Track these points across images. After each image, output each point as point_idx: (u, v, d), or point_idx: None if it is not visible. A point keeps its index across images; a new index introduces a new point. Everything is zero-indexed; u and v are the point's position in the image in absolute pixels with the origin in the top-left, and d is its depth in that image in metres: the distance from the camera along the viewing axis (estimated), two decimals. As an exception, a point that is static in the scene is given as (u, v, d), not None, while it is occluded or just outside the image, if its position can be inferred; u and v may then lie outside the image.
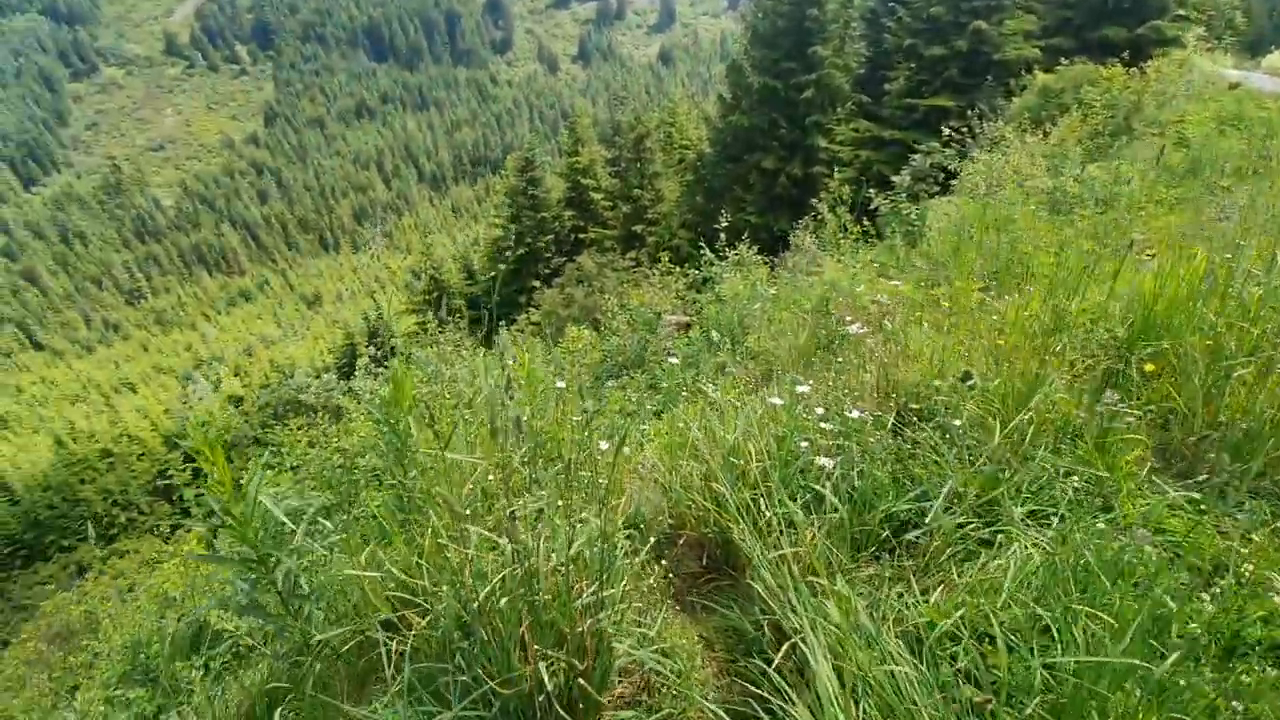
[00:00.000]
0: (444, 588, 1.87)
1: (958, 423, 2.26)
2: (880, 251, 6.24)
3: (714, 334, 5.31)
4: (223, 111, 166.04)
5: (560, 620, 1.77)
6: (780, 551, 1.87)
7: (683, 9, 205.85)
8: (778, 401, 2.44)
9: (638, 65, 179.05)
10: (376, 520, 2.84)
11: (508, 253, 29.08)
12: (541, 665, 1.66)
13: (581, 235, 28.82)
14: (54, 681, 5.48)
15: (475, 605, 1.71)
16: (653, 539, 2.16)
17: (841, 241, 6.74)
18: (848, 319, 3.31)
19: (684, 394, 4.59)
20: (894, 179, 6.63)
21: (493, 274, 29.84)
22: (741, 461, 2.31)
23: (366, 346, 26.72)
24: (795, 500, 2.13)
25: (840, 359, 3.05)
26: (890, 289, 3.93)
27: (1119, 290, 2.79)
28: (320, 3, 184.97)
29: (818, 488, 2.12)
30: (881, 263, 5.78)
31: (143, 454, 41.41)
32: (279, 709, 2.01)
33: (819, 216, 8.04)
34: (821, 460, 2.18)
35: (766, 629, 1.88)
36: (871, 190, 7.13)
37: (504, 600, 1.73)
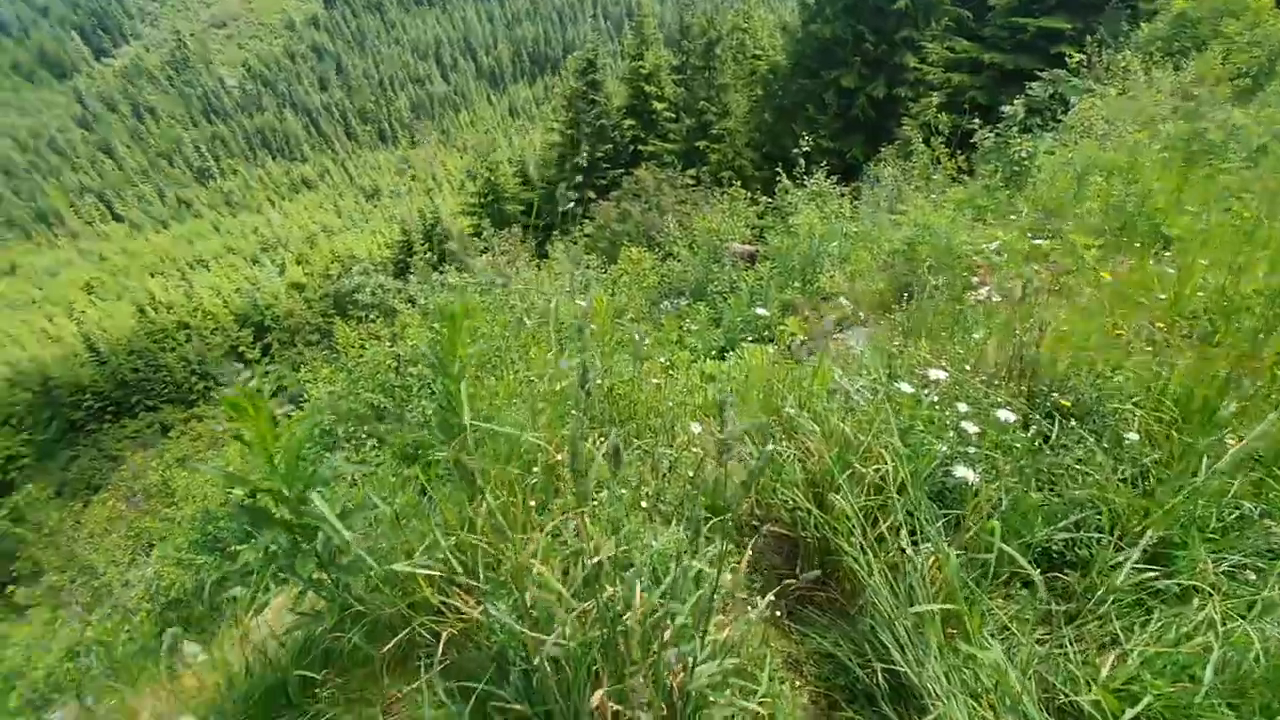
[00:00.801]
0: (500, 604, 1.62)
1: (1133, 436, 1.89)
2: (977, 192, 5.65)
3: (782, 268, 4.97)
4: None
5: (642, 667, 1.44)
6: (908, 581, 1.57)
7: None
8: (907, 389, 2.04)
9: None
10: (427, 468, 2.69)
11: (564, 160, 28.25)
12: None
13: (641, 147, 27.64)
14: (130, 539, 5.97)
15: (541, 650, 1.40)
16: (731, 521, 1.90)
17: (932, 176, 6.12)
18: (975, 279, 2.92)
19: (749, 334, 4.35)
20: (1005, 109, 5.84)
21: (547, 181, 29.19)
22: (856, 459, 1.94)
23: (422, 245, 26.92)
24: (920, 514, 1.76)
25: (937, 318, 2.67)
26: (998, 238, 3.50)
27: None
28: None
29: (958, 512, 1.75)
30: (978, 205, 5.23)
31: (216, 328, 43.85)
32: (320, 671, 1.86)
33: (907, 145, 7.31)
34: (962, 471, 1.79)
35: (881, 676, 1.57)
36: (977, 122, 6.35)
37: (574, 642, 1.45)
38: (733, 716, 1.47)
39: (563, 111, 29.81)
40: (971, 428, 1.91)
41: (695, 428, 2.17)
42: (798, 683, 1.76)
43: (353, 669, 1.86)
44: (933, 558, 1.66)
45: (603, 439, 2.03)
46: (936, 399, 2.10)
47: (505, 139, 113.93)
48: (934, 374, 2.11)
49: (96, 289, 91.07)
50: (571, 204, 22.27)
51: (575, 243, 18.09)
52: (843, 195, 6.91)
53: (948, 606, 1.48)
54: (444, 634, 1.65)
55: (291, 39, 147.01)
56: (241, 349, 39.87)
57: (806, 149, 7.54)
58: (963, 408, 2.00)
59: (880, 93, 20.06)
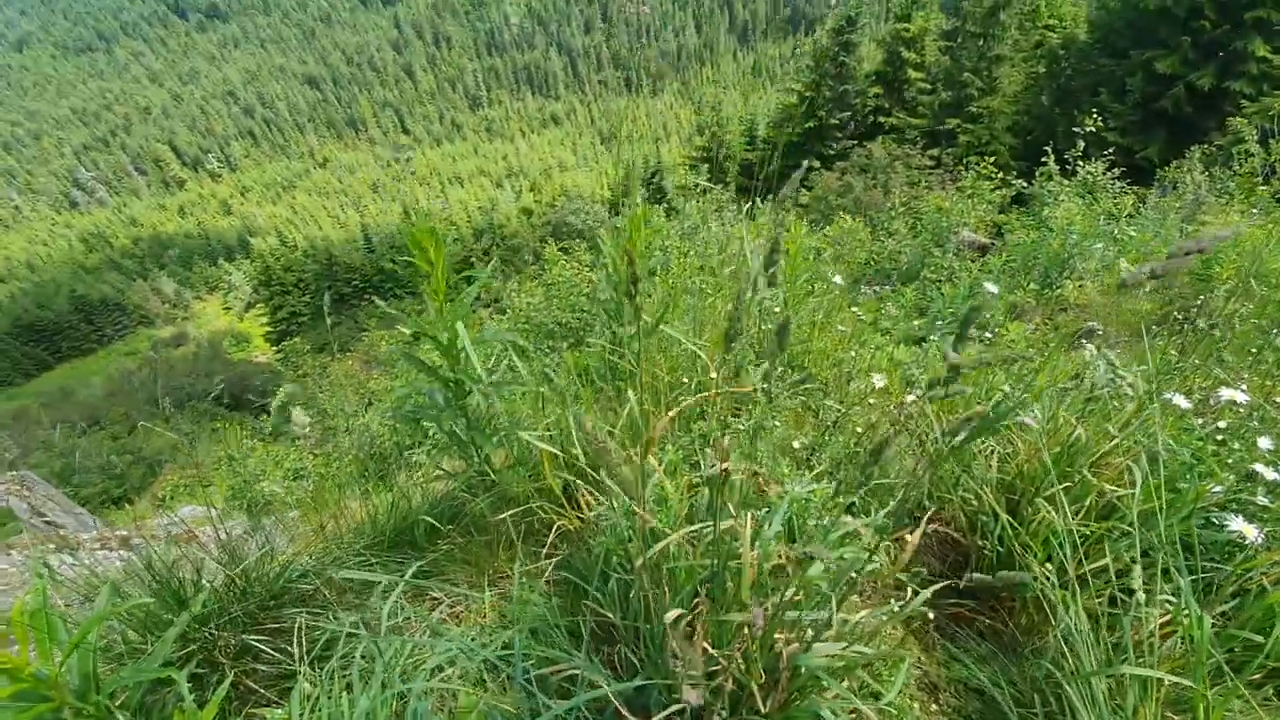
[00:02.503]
0: (613, 501, 1.53)
1: None
2: (1318, 214, 4.32)
3: (1020, 265, 4.29)
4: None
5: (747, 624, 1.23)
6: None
7: None
8: (1183, 403, 1.58)
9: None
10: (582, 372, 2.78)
11: (796, 122, 27.11)
12: (707, 674, 1.23)
13: (883, 119, 25.49)
14: (358, 395, 7.25)
15: (638, 559, 1.24)
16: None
17: (1257, 186, 4.80)
18: None
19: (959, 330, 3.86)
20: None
21: (775, 142, 28.31)
22: (1085, 467, 1.58)
23: (641, 188, 27.97)
24: (1161, 559, 1.39)
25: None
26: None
27: None
28: None
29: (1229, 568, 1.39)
30: (1315, 231, 4.00)
31: (457, 238, 50.50)
32: (445, 526, 2.00)
33: (1237, 140, 5.79)
34: (1240, 524, 1.40)
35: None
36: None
37: (680, 564, 1.35)
38: (839, 713, 1.24)
39: (807, 72, 28.45)
40: (1270, 473, 1.48)
41: (878, 380, 1.96)
42: (931, 708, 1.51)
43: (475, 534, 2.00)
44: (1167, 616, 1.34)
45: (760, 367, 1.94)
46: (1223, 425, 1.65)
47: (741, 96, 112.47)
48: (1226, 394, 1.65)
49: (380, 190, 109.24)
50: (811, 164, 21.44)
51: (789, 210, 17.47)
52: (1123, 193, 5.68)
53: (1181, 681, 1.17)
54: (557, 524, 1.74)
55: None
56: (473, 259, 45.25)
57: (1091, 129, 6.27)
58: (1265, 444, 1.54)
59: (1207, 84, 16.15)
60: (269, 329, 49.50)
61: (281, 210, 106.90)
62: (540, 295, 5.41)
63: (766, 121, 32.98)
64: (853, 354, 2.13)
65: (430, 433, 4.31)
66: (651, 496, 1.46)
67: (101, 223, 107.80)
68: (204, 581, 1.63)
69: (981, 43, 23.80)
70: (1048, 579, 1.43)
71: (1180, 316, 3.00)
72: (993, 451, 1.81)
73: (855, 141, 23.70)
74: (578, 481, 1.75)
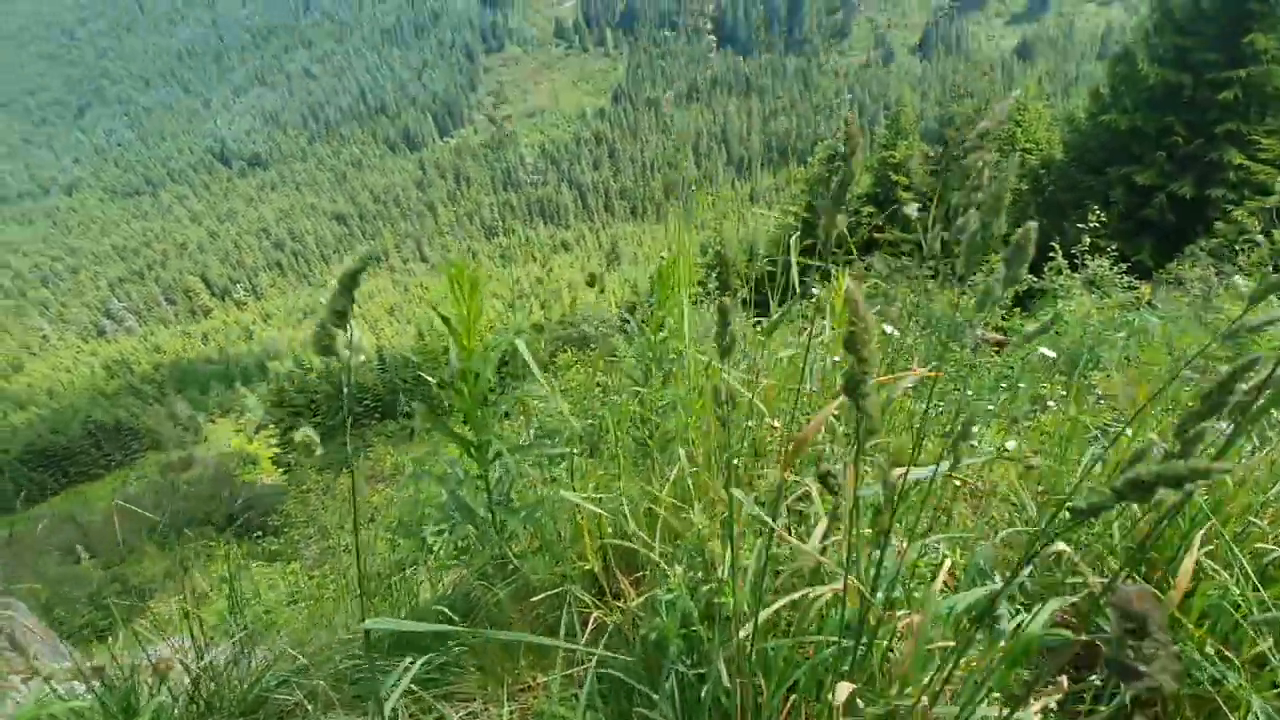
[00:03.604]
0: (675, 572, 1.31)
1: None
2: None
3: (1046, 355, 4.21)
4: (582, 88, 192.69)
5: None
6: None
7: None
8: None
9: (987, 59, 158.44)
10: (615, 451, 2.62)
11: (794, 242, 28.43)
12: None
13: (878, 235, 26.73)
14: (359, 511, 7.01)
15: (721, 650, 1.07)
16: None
17: (1270, 277, 4.82)
18: None
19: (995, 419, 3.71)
20: None
21: (775, 259, 29.53)
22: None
23: (646, 306, 28.84)
24: None
25: None
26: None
27: None
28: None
29: None
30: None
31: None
32: (459, 623, 1.73)
33: (1240, 233, 5.91)
34: None
35: None
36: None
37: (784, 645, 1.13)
38: None
39: (801, 195, 30.28)
40: None
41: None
42: None
43: (491, 629, 1.75)
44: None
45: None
46: None
47: (741, 221, 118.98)
48: None
49: (395, 312, 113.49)
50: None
51: (792, 321, 17.82)
52: (1133, 286, 5.75)
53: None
54: (593, 618, 1.49)
55: (581, 127, 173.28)
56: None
57: (1095, 223, 6.49)
58: None
59: (1187, 192, 16.95)
60: (278, 450, 49.44)
61: (301, 335, 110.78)
62: (559, 398, 5.34)
63: (766, 241, 34.61)
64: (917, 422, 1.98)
65: (435, 546, 4.07)
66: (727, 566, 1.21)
67: (126, 350, 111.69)
68: (163, 689, 1.40)
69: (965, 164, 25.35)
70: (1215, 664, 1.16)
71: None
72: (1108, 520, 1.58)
73: (856, 256, 24.63)
74: (616, 567, 1.56)
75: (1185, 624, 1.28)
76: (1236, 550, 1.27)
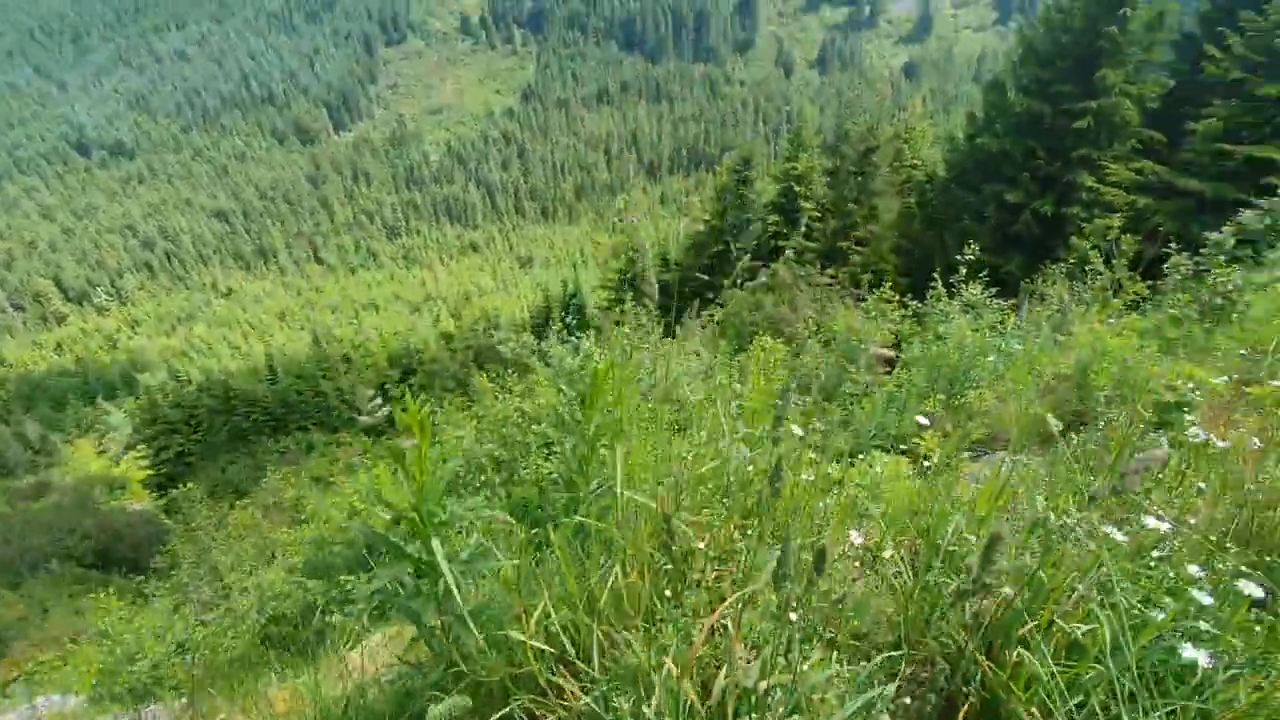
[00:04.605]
0: (619, 700, 1.42)
1: None
2: (1164, 323, 5.01)
3: (925, 379, 4.65)
4: (489, 86, 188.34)
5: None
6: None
7: (943, 19, 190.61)
8: (1119, 536, 1.65)
9: (879, 76, 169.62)
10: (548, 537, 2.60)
11: (705, 248, 29.25)
12: None
13: (783, 243, 27.98)
14: (258, 549, 6.53)
15: None
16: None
17: (1109, 300, 5.54)
18: (1190, 417, 2.50)
19: (883, 441, 4.04)
20: (1212, 236, 5.21)
21: (687, 265, 30.24)
22: (1051, 610, 1.60)
23: (560, 311, 28.65)
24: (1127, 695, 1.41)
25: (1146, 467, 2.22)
26: (1194, 375, 3.02)
27: None
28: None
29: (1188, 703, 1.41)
30: (1165, 338, 4.62)
31: (370, 365, 48.89)
32: None
33: (1082, 264, 6.72)
34: (1191, 652, 1.43)
35: None
36: (1172, 247, 5.73)
37: None
38: None
39: (711, 203, 31.17)
40: (1205, 598, 1.55)
41: (855, 537, 1.95)
42: None
43: None
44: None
45: (746, 533, 1.90)
46: (1158, 555, 1.72)
47: (653, 225, 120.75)
48: (1151, 522, 1.73)
49: (287, 317, 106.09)
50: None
51: (704, 327, 18.33)
52: (1003, 310, 6.43)
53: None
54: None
55: (488, 125, 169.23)
56: (387, 385, 43.77)
57: (970, 257, 7.18)
58: (1194, 570, 1.62)
59: (1048, 210, 18.95)
60: (150, 473, 44.83)
61: (176, 343, 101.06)
62: (471, 429, 5.24)
63: (678, 246, 35.33)
64: (822, 505, 2.14)
65: (349, 589, 3.86)
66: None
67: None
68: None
69: (860, 178, 27.11)
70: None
71: (1068, 424, 3.25)
72: (955, 592, 1.81)
73: (762, 263, 25.67)
74: (560, 668, 1.59)
75: (1016, 693, 1.52)
76: (1041, 640, 1.53)
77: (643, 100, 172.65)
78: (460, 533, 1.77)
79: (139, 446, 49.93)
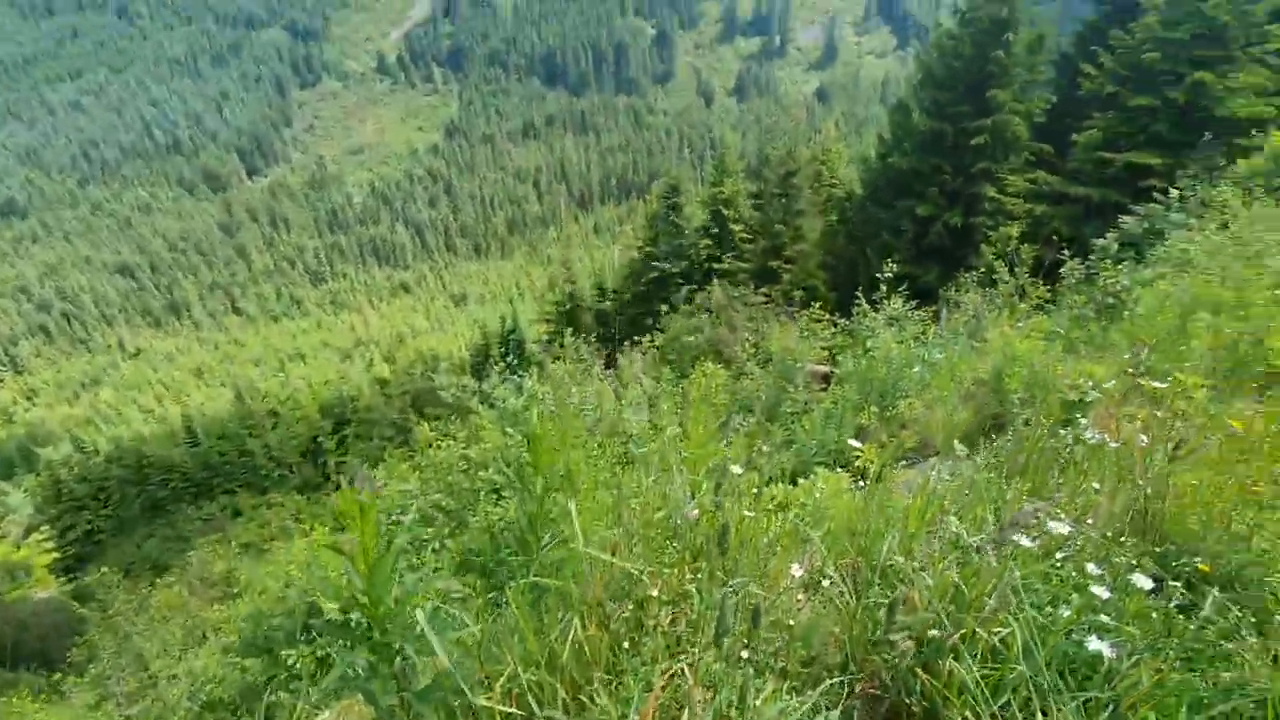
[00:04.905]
0: None
1: None
2: (1066, 323, 5.42)
3: (858, 393, 4.84)
4: (412, 124, 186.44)
5: None
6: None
7: (847, 46, 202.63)
8: (1026, 543, 1.80)
9: (793, 101, 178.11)
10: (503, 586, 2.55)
11: (641, 275, 29.61)
12: None
13: (716, 265, 28.66)
14: (186, 630, 6.03)
15: None
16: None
17: (1016, 305, 5.95)
18: (1084, 420, 2.70)
19: (824, 457, 4.16)
20: (1098, 241, 5.73)
21: (623, 293, 30.50)
22: (973, 619, 1.71)
23: (500, 348, 28.26)
24: (1047, 690, 1.55)
25: (1067, 468, 2.40)
26: (1093, 374, 3.28)
27: None
28: (509, 32, 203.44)
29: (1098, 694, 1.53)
30: (1069, 338, 4.99)
31: (301, 418, 46.54)
32: None
33: (990, 273, 7.20)
34: (1096, 644, 1.56)
35: None
36: (1065, 252, 6.23)
37: None
38: None
39: (643, 230, 31.67)
40: (1103, 592, 1.68)
41: (796, 570, 2.00)
42: None
43: None
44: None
45: (697, 575, 1.91)
46: (1061, 556, 1.87)
47: (587, 254, 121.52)
48: (1053, 526, 1.88)
49: (205, 374, 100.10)
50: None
51: (645, 354, 18.48)
52: (923, 321, 6.80)
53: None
54: None
55: (413, 164, 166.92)
56: (320, 438, 41.79)
57: (890, 274, 7.59)
58: (1093, 568, 1.76)
59: (957, 221, 20.21)
60: (56, 556, 40.94)
61: (79, 411, 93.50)
62: (415, 480, 5.06)
63: (613, 275, 35.65)
64: (765, 540, 2.19)
65: (292, 665, 3.60)
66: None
67: None
68: None
69: (784, 200, 28.19)
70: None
71: (988, 426, 3.45)
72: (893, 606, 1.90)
73: (697, 286, 26.18)
74: None
75: (952, 700, 1.65)
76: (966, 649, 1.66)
77: (569, 133, 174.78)
78: (415, 607, 1.70)
79: (42, 528, 45.71)
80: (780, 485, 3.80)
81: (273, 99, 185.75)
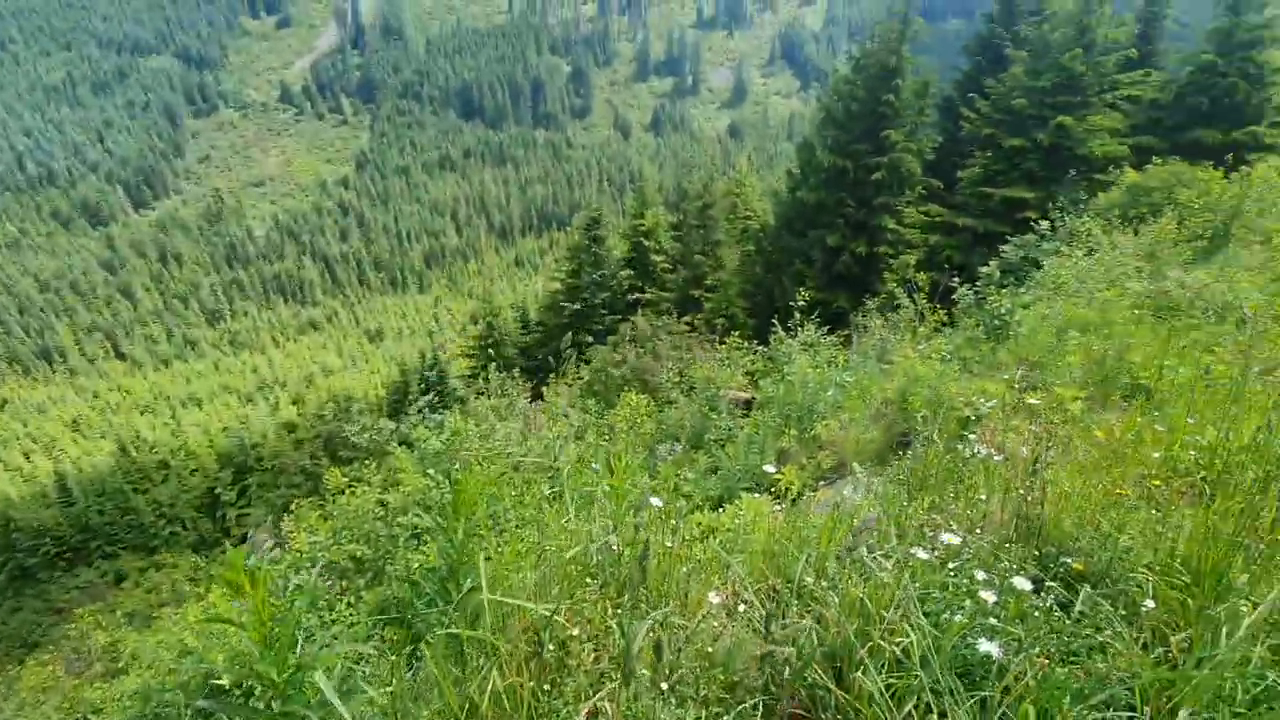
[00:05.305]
0: None
1: (1150, 604, 1.84)
2: (961, 344, 5.87)
3: (778, 417, 5.01)
4: (320, 155, 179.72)
5: None
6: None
7: (755, 87, 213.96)
8: (922, 555, 1.95)
9: (707, 137, 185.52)
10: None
11: (564, 307, 29.58)
12: None
13: (639, 295, 29.10)
14: (63, 712, 5.32)
15: None
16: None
17: (917, 329, 6.39)
18: (973, 437, 2.91)
19: (749, 482, 4.26)
20: (982, 269, 6.30)
21: (548, 325, 30.33)
22: (877, 632, 1.81)
23: (420, 386, 27.25)
24: (946, 694, 1.66)
25: (959, 484, 2.60)
26: (985, 390, 3.56)
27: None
28: (422, 65, 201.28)
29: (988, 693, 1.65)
30: (964, 357, 5.41)
31: (195, 469, 42.79)
32: None
33: (892, 299, 7.71)
34: (986, 646, 1.69)
35: None
36: (956, 280, 6.79)
37: None
38: None
39: (566, 262, 31.75)
40: (990, 597, 1.83)
41: (714, 597, 2.03)
42: None
43: None
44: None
45: (618, 610, 1.90)
46: (954, 565, 2.01)
47: (509, 287, 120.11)
48: (946, 538, 2.03)
49: (82, 426, 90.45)
50: (570, 350, 23.02)
51: (571, 385, 18.37)
52: (835, 346, 7.18)
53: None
54: None
55: (321, 197, 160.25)
56: (218, 490, 38.58)
57: (802, 303, 7.98)
58: (980, 575, 1.91)
59: (863, 250, 21.54)
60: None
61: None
62: (325, 530, 4.74)
63: (537, 306, 35.41)
64: (684, 570, 2.21)
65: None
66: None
67: None
68: None
69: (702, 231, 29.10)
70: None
71: (898, 443, 3.66)
72: (809, 629, 1.98)
73: (621, 316, 26.42)
74: None
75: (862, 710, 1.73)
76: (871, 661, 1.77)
77: (487, 165, 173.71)
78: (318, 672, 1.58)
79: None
80: (705, 512, 3.85)
81: (162, 128, 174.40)
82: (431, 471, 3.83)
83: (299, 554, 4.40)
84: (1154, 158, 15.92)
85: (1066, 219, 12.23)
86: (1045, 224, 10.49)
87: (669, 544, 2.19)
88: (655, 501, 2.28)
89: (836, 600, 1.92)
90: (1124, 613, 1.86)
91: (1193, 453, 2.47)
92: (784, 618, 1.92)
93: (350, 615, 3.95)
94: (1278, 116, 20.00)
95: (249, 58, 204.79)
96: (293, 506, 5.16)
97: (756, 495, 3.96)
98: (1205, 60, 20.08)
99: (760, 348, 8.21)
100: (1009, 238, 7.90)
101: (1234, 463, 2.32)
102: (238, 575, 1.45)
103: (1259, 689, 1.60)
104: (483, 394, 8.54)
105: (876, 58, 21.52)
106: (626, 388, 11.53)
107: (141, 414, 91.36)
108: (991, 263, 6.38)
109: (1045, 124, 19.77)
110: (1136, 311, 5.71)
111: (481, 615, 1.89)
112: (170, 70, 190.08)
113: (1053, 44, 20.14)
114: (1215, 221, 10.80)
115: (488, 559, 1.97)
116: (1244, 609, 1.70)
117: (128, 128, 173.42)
